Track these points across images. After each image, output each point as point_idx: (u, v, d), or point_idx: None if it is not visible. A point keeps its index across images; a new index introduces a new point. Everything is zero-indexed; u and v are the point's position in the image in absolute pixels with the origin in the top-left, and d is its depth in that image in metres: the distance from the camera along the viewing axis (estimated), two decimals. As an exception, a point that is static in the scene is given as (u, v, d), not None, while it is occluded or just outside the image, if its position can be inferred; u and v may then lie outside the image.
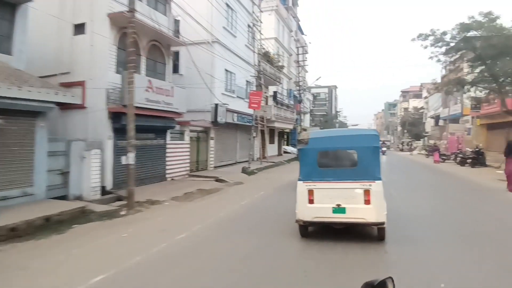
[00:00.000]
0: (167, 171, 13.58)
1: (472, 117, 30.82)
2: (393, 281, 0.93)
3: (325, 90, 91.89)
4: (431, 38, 18.55)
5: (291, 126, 29.27)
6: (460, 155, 21.28)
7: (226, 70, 18.72)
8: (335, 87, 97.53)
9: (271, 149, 28.19)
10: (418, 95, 69.18)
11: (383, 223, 5.34)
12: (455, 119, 35.03)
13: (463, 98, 32.21)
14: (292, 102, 35.37)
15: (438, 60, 19.31)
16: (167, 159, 13.56)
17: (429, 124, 50.89)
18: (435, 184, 13.76)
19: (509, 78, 17.11)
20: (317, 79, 34.39)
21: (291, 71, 38.60)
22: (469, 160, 20.01)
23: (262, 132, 23.34)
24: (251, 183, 13.97)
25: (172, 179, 13.66)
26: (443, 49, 18.59)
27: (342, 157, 6.07)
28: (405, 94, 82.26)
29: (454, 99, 34.89)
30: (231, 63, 18.58)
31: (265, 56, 26.86)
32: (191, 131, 15.68)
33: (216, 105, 16.62)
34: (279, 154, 30.38)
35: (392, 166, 22.15)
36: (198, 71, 14.91)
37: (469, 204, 9.43)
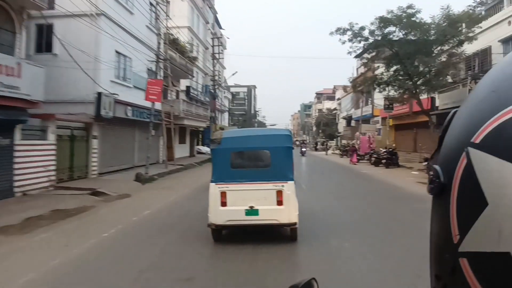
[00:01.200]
0: (16, 184, 9.62)
1: (382, 118, 31.89)
2: (316, 281, 0.86)
3: (244, 90, 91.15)
4: (349, 33, 17.58)
5: (204, 124, 26.36)
6: (375, 156, 20.96)
7: (118, 53, 15.07)
8: (254, 86, 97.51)
9: (182, 150, 24.99)
10: (331, 97, 72.30)
11: (295, 224, 5.36)
12: (366, 120, 36.13)
13: (373, 99, 33.25)
14: (208, 99, 32.60)
15: (357, 56, 18.42)
16: (15, 166, 9.60)
17: (341, 124, 52.79)
18: (359, 190, 12.32)
19: (423, 77, 16.89)
20: (233, 74, 32.07)
21: (207, 66, 35.74)
22: (383, 161, 19.67)
23: (169, 130, 20.07)
24: (142, 195, 10.82)
25: (24, 194, 9.75)
26: (362, 44, 17.69)
27: (256, 158, 5.91)
28: (320, 96, 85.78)
29: (365, 100, 36.02)
30: (124, 45, 14.99)
31: (174, 44, 23.56)
32: (62, 127, 11.81)
33: (99, 94, 12.93)
34: (191, 155, 27.29)
35: (312, 168, 20.92)
36: (77, 51, 11.26)
37: (388, 210, 8.60)
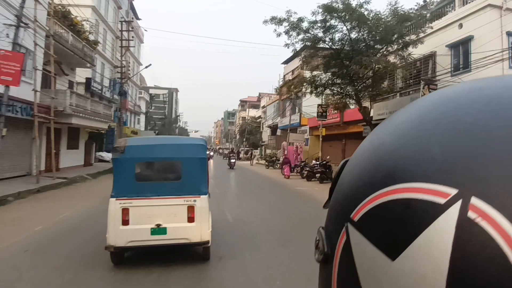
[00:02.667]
0: None
1: (310, 127, 30.30)
2: None
3: (164, 92, 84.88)
4: (286, 23, 14.82)
5: (105, 126, 21.21)
6: (307, 169, 18.52)
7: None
8: (176, 90, 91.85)
9: (73, 157, 19.52)
10: (256, 105, 70.82)
11: (208, 242, 4.89)
12: (293, 129, 34.41)
13: (302, 107, 31.59)
14: (117, 96, 27.25)
15: (294, 50, 15.74)
16: None
17: (266, 133, 51.02)
18: (303, 221, 9.16)
19: (364, 82, 14.85)
20: (146, 66, 27.42)
21: (118, 58, 30.33)
22: (317, 175, 17.26)
23: (54, 130, 14.78)
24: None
25: None
26: (301, 37, 15.02)
27: (165, 169, 5.49)
28: (244, 103, 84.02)
29: (293, 108, 34.35)
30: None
31: (66, 19, 18.32)
32: None
33: None
34: (88, 164, 21.78)
35: (240, 185, 17.48)
36: None
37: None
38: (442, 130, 0.30)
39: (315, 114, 30.05)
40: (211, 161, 37.08)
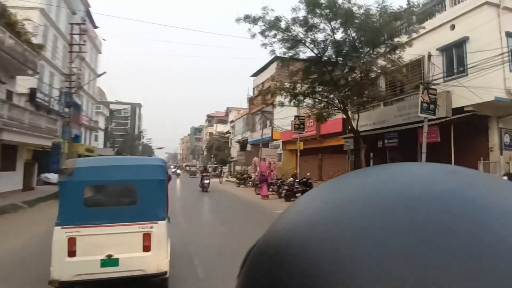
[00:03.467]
0: None
1: (283, 142, 28.60)
2: None
3: (126, 107, 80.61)
4: (262, 23, 13.05)
5: (48, 142, 18.12)
6: (285, 187, 16.55)
7: None
8: (140, 105, 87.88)
9: (8, 181, 16.22)
10: (223, 121, 68.75)
11: (165, 273, 4.43)
12: (264, 144, 32.58)
13: (273, 120, 29.90)
14: (68, 110, 24.03)
15: (272, 52, 13.92)
16: None
17: (235, 149, 48.85)
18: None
19: (353, 86, 13.26)
20: (100, 75, 24.60)
21: (70, 67, 27.15)
22: (298, 194, 15.33)
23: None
24: None
25: None
26: (279, 38, 13.24)
27: (119, 193, 4.97)
28: (211, 118, 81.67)
29: (263, 121, 32.63)
30: None
31: (1, 17, 15.45)
32: None
33: None
34: (28, 188, 18.43)
35: (210, 210, 15.12)
36: None
37: None
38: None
39: (289, 127, 28.52)
40: (178, 180, 34.12)
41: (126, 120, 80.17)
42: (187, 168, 53.12)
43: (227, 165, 50.89)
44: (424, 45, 12.85)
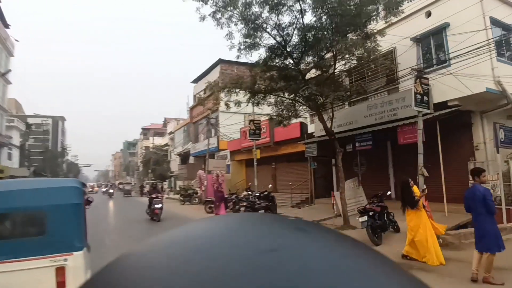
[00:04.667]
0: None
1: (231, 152, 26.07)
2: None
3: (47, 121, 71.32)
4: (213, 2, 10.51)
5: None
6: (244, 203, 13.97)
7: None
8: (63, 118, 78.74)
9: None
10: (160, 133, 64.08)
11: None
12: (210, 155, 29.70)
13: (219, 129, 27.28)
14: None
15: (230, 35, 11.29)
16: None
17: (175, 162, 44.99)
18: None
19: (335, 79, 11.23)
20: (4, 74, 19.86)
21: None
22: (261, 211, 12.85)
23: None
24: None
25: None
26: (236, 18, 10.72)
27: (23, 222, 4.11)
28: (146, 131, 75.99)
29: (208, 130, 29.80)
30: None
31: None
32: None
33: None
34: None
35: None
36: None
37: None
38: None
39: (236, 136, 26.15)
40: (111, 203, 28.97)
41: (47, 136, 70.97)
42: (121, 186, 47.26)
43: (167, 180, 46.66)
44: (397, 35, 11.43)
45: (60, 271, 3.72)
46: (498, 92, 9.59)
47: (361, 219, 8.29)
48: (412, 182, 6.89)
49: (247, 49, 10.90)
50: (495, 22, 10.04)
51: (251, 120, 16.28)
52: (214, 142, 27.50)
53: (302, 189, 18.19)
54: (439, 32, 10.77)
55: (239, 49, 10.98)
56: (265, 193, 13.97)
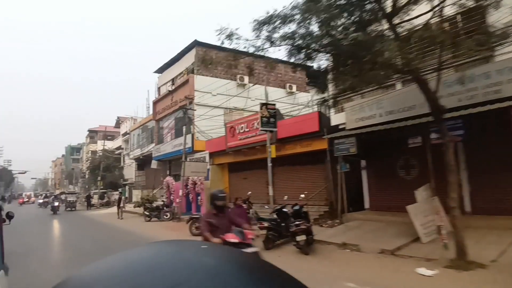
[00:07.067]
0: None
1: (211, 153, 21.02)
2: None
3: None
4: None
5: None
6: (266, 222, 9.22)
7: None
8: (-9, 117, 67.28)
9: None
10: (110, 136, 56.51)
11: None
12: (175, 159, 24.37)
13: (194, 127, 22.13)
14: None
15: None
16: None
17: (131, 168, 38.53)
18: None
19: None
20: None
21: None
22: (299, 239, 8.17)
23: None
24: None
25: None
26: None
27: None
28: (93, 134, 67.29)
29: (184, 126, 24.44)
30: None
31: None
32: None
33: None
34: None
35: None
36: None
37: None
38: None
39: (215, 134, 21.25)
40: (55, 223, 20.47)
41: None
42: (63, 197, 39.03)
43: (120, 190, 39.74)
44: None
45: None
46: None
47: None
48: None
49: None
50: None
51: (263, 104, 11.65)
52: (187, 141, 22.20)
53: (318, 200, 13.85)
54: None
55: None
56: (296, 207, 9.30)
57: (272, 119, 11.38)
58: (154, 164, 28.22)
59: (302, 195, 9.87)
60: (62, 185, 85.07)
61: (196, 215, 12.95)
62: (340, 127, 13.10)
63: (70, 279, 0.50)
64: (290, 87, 26.81)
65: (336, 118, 13.39)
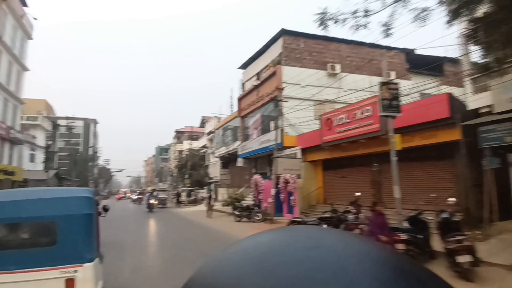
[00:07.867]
0: None
1: (303, 149, 19.24)
2: None
3: (79, 123, 67.95)
4: None
5: None
6: (404, 237, 7.09)
7: None
8: (95, 121, 75.41)
9: None
10: (195, 136, 58.53)
11: None
12: (263, 156, 23.14)
13: (283, 119, 20.58)
14: None
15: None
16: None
17: (215, 166, 38.81)
18: None
19: None
20: None
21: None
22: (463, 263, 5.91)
23: None
24: None
25: None
26: None
27: (34, 232, 4.03)
28: (180, 134, 70.86)
29: (264, 123, 23.26)
30: None
31: None
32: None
33: None
34: None
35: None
36: None
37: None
38: None
39: (306, 129, 19.41)
40: (151, 223, 18.67)
41: (78, 139, 67.61)
42: (155, 193, 39.75)
43: (205, 188, 40.34)
44: None
45: (70, 283, 3.58)
46: None
47: None
48: None
49: None
50: None
51: (383, 83, 9.42)
52: (275, 137, 20.77)
53: (442, 205, 11.03)
54: None
55: None
56: (444, 214, 6.94)
57: (394, 102, 9.09)
58: (240, 162, 27.56)
59: (452, 199, 7.43)
60: (152, 182, 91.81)
61: (298, 218, 11.22)
62: (481, 111, 10.21)
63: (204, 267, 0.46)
64: (388, 75, 23.62)
65: (474, 101, 10.50)
